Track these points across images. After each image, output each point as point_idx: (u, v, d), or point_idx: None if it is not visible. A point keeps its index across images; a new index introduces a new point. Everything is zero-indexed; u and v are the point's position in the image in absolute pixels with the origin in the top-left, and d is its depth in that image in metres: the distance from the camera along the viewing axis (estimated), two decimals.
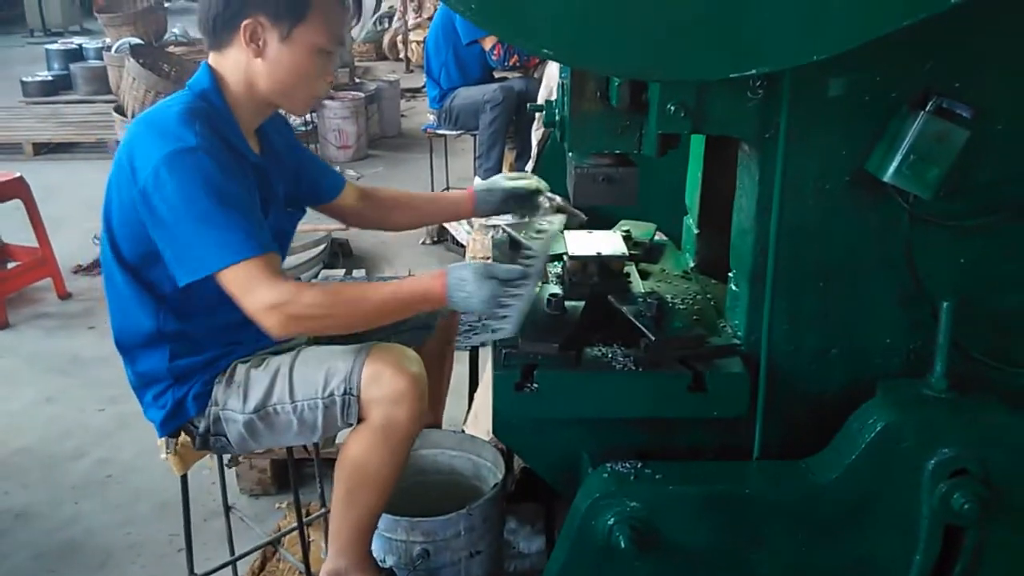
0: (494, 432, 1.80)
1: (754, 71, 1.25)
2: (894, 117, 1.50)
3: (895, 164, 1.48)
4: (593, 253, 1.92)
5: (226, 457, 2.22)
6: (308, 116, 7.95)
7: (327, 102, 7.29)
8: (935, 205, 1.53)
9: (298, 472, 2.39)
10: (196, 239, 1.58)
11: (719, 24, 1.20)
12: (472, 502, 2.00)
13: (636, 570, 1.59)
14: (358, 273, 4.35)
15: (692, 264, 2.11)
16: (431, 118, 5.24)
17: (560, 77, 1.77)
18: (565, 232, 2.06)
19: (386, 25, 11.22)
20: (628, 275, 1.94)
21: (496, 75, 5.09)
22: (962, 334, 1.61)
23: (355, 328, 1.75)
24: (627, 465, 1.64)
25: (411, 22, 10.60)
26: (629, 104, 1.58)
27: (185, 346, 1.77)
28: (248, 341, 1.80)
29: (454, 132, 5.10)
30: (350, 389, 1.67)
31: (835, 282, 1.62)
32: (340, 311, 1.64)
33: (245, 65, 1.71)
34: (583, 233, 2.07)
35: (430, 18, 10.40)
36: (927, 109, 1.47)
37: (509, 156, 5.11)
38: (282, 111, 1.89)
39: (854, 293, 1.63)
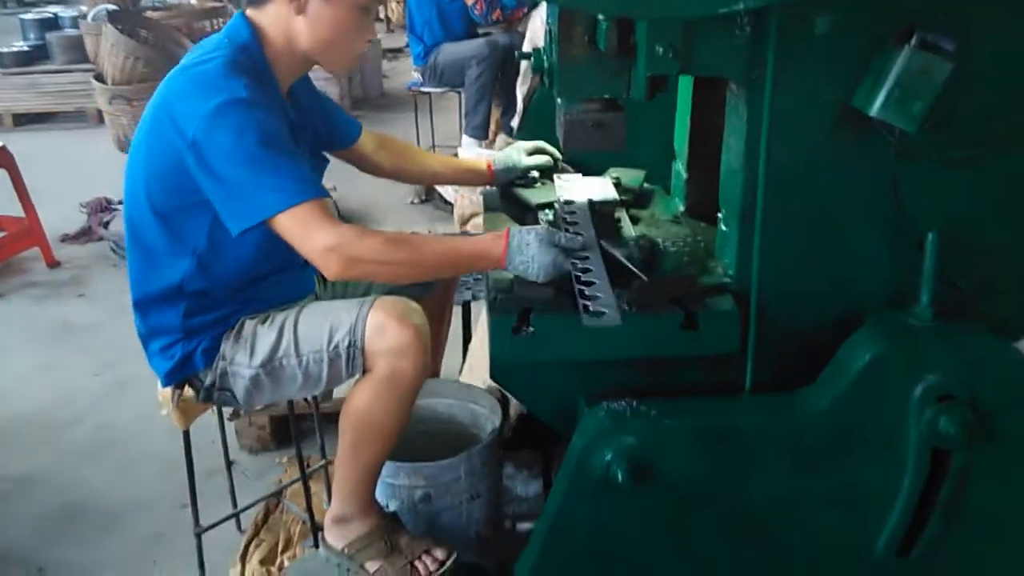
0: (492, 377, 1.83)
1: (741, 6, 1.26)
2: (879, 53, 1.52)
3: (881, 98, 1.50)
4: (584, 199, 1.94)
5: (227, 412, 2.25)
6: None
7: None
8: (920, 139, 1.55)
9: (298, 426, 2.42)
10: (252, 186, 1.59)
11: None
12: (471, 447, 2.05)
13: (633, 503, 1.64)
14: None
15: (682, 208, 2.13)
16: (415, 75, 5.21)
17: (547, 23, 1.77)
18: (556, 178, 2.08)
19: None
20: (619, 220, 1.97)
21: (480, 31, 5.06)
22: (947, 266, 1.64)
23: (411, 279, 1.78)
24: (622, 403, 1.67)
25: None
26: (617, 48, 1.58)
27: (202, 303, 1.80)
28: (260, 299, 1.84)
29: (439, 89, 5.08)
30: (355, 341, 1.69)
31: (822, 218, 1.65)
32: (399, 258, 1.65)
33: (286, 22, 1.72)
34: (574, 179, 2.08)
35: None
36: (911, 44, 1.49)
37: (495, 112, 5.10)
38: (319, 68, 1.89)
39: (841, 229, 1.66)
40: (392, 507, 2.00)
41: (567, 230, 1.79)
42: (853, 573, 1.74)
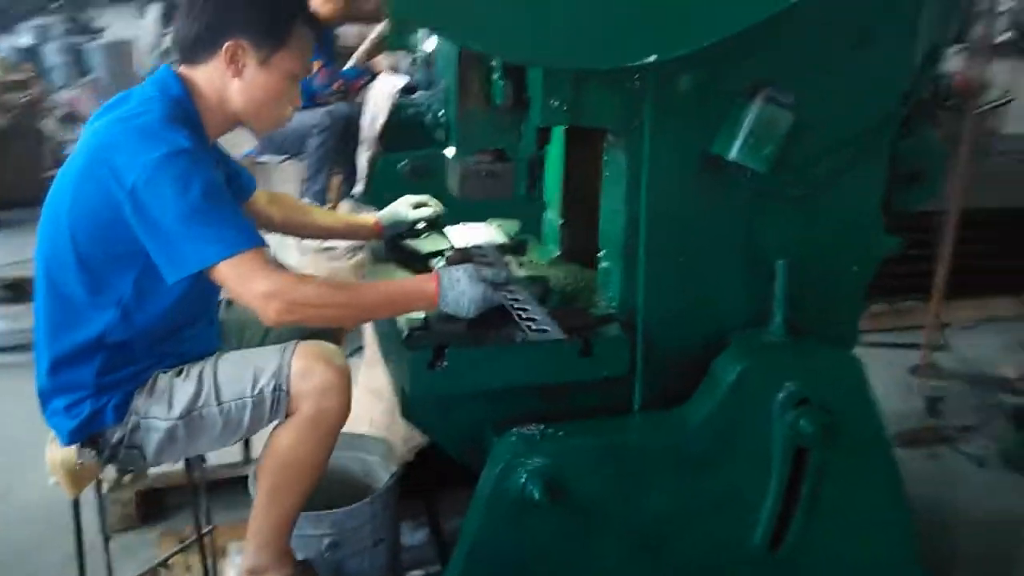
0: (403, 413, 1.91)
1: (653, 59, 1.48)
2: (732, 106, 1.79)
3: (738, 144, 1.76)
4: (483, 242, 2.09)
5: (105, 485, 2.16)
6: None
7: None
8: (768, 180, 1.82)
9: (188, 493, 2.34)
10: (193, 235, 1.61)
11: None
12: (374, 493, 2.09)
13: (547, 520, 1.76)
14: None
15: (557, 253, 2.32)
16: (250, 145, 5.19)
17: (443, 82, 1.93)
18: (446, 229, 2.22)
19: (173, 58, 10.90)
20: (508, 264, 2.12)
21: (319, 100, 5.13)
22: (793, 290, 1.91)
23: (348, 321, 1.85)
24: (531, 428, 1.81)
25: None
26: (512, 102, 1.77)
27: (119, 357, 1.77)
28: (174, 354, 1.83)
29: (278, 157, 5.09)
30: (280, 384, 1.72)
31: (692, 251, 1.88)
32: (338, 300, 1.70)
33: (220, 82, 1.78)
34: (463, 228, 2.23)
35: None
36: (759, 98, 1.76)
37: (335, 179, 5.16)
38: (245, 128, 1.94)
39: (708, 259, 1.90)
40: (299, 557, 2.00)
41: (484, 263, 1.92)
42: (734, 571, 1.94)
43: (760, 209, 1.89)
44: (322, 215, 2.36)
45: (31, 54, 8.93)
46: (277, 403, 1.73)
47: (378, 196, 4.07)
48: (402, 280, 1.81)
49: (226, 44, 1.75)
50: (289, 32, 1.79)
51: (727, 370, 1.85)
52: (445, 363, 1.75)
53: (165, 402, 1.76)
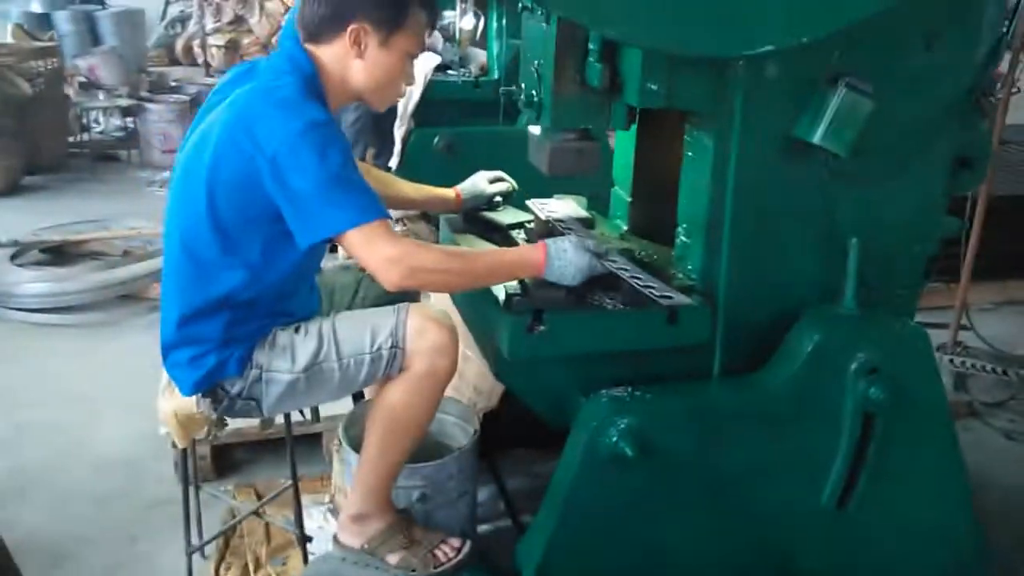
0: (497, 374, 2.03)
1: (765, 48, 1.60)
2: (815, 93, 1.90)
3: (821, 129, 1.87)
4: (564, 216, 2.21)
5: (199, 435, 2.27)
6: (122, 121, 7.70)
7: (149, 105, 7.11)
8: (847, 163, 1.94)
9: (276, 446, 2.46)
10: (328, 202, 1.72)
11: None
12: (444, 453, 2.23)
13: (636, 475, 1.89)
14: None
15: (625, 228, 2.44)
16: None
17: (535, 64, 2.02)
18: (530, 202, 2.34)
19: (178, 30, 10.92)
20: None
21: None
22: (862, 266, 2.04)
23: (461, 287, 1.97)
24: (620, 391, 1.94)
25: (209, 26, 10.39)
26: (609, 84, 1.88)
27: (245, 313, 1.88)
28: (289, 313, 1.95)
29: None
30: (397, 342, 1.85)
31: (772, 228, 2.01)
32: (455, 268, 1.83)
33: (344, 61, 1.89)
34: (547, 202, 2.35)
35: (230, 23, 10.29)
36: (841, 85, 1.88)
37: (368, 153, 5.25)
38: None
39: (787, 237, 2.03)
40: None
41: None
42: (803, 524, 2.07)
43: (836, 190, 2.01)
44: (406, 186, 2.48)
45: (43, 21, 8.92)
46: (393, 359, 1.85)
47: (413, 167, 4.18)
48: (509, 249, 1.94)
49: (350, 27, 1.86)
50: (407, 15, 1.89)
51: (804, 340, 1.98)
52: (543, 327, 1.88)
53: (288, 356, 1.88)
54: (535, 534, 1.98)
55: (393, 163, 5.08)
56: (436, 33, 5.46)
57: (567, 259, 1.86)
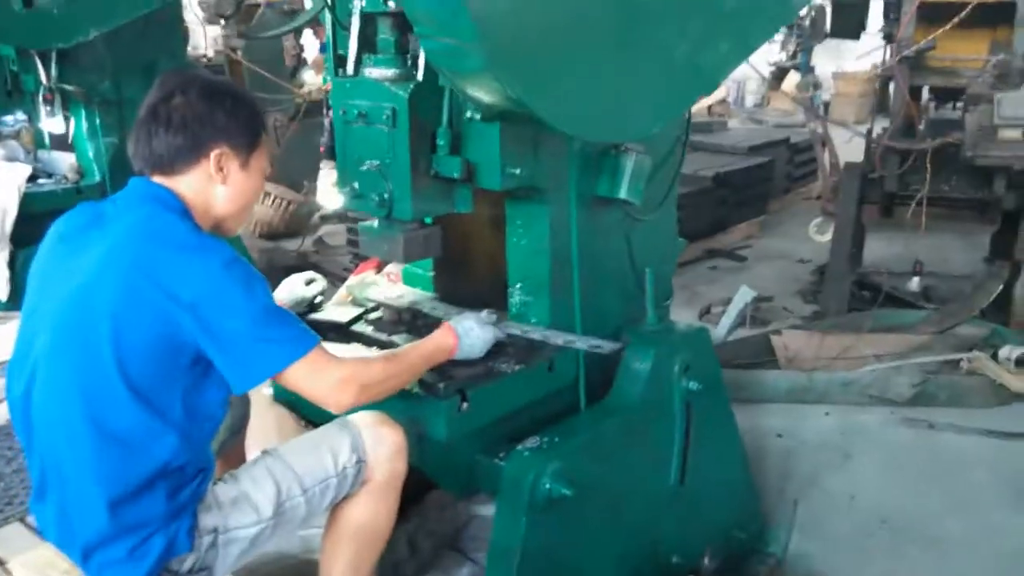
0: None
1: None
2: (605, 158, 2.31)
3: (625, 185, 2.29)
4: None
5: None
6: None
7: None
8: (633, 208, 2.40)
9: None
10: (267, 338, 1.62)
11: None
12: None
13: (572, 509, 2.11)
14: None
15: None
16: None
17: (366, 163, 2.08)
18: (371, 290, 2.40)
19: None
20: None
21: None
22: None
23: (399, 388, 1.88)
24: (533, 442, 2.14)
25: None
26: (466, 175, 2.06)
27: (179, 478, 1.67)
28: (212, 457, 1.79)
29: None
30: (361, 456, 1.81)
31: (597, 272, 2.38)
32: (395, 373, 1.82)
33: (204, 190, 1.77)
34: (382, 287, 2.42)
35: None
36: (623, 149, 2.31)
37: None
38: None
39: (604, 276, 2.41)
40: None
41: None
42: (661, 504, 2.47)
43: (631, 230, 2.46)
44: None
45: None
46: (357, 475, 1.82)
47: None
48: (427, 340, 1.98)
49: (213, 153, 1.79)
50: (260, 132, 1.88)
51: (643, 359, 2.37)
52: (466, 404, 2.00)
53: (248, 508, 1.74)
54: None
55: (3, 294, 4.37)
56: (11, 142, 4.81)
57: (475, 336, 2.00)
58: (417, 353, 1.97)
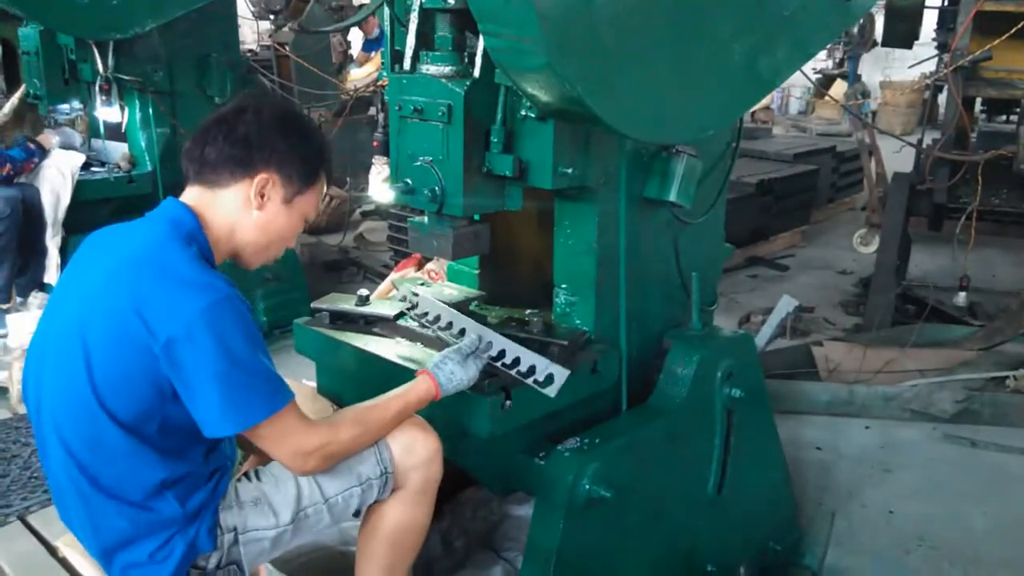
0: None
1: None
2: (655, 160, 2.30)
3: (675, 188, 2.28)
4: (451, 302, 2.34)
5: None
6: None
7: None
8: (681, 211, 2.38)
9: None
10: (232, 397, 1.56)
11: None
12: None
13: (611, 511, 2.10)
14: None
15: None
16: None
17: (419, 159, 2.09)
18: (418, 293, 2.40)
19: None
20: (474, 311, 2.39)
21: None
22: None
23: (374, 442, 1.82)
24: (573, 443, 2.13)
25: None
26: (518, 173, 2.06)
27: (190, 483, 1.67)
28: (231, 453, 1.76)
29: None
30: (385, 468, 1.80)
31: (643, 274, 2.36)
32: (370, 429, 1.76)
33: (237, 212, 1.73)
34: (420, 290, 2.43)
35: None
36: (675, 152, 2.30)
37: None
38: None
39: (650, 279, 2.40)
40: None
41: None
42: (699, 512, 2.46)
43: (678, 233, 2.44)
44: None
45: None
46: (384, 485, 1.81)
47: None
48: (400, 392, 1.85)
49: (259, 176, 1.74)
50: (317, 175, 1.84)
51: (687, 363, 2.36)
52: (509, 402, 2.00)
53: (266, 510, 1.74)
54: None
55: (49, 278, 4.46)
56: (67, 129, 4.90)
57: (458, 379, 1.87)
58: (392, 408, 1.83)
